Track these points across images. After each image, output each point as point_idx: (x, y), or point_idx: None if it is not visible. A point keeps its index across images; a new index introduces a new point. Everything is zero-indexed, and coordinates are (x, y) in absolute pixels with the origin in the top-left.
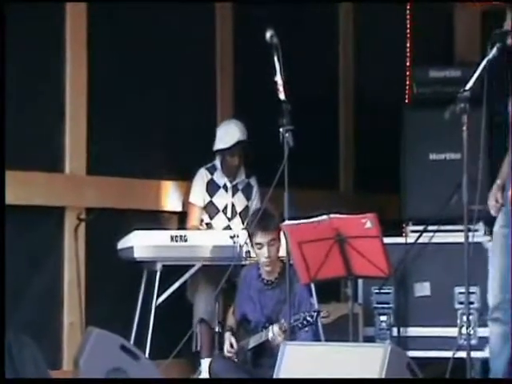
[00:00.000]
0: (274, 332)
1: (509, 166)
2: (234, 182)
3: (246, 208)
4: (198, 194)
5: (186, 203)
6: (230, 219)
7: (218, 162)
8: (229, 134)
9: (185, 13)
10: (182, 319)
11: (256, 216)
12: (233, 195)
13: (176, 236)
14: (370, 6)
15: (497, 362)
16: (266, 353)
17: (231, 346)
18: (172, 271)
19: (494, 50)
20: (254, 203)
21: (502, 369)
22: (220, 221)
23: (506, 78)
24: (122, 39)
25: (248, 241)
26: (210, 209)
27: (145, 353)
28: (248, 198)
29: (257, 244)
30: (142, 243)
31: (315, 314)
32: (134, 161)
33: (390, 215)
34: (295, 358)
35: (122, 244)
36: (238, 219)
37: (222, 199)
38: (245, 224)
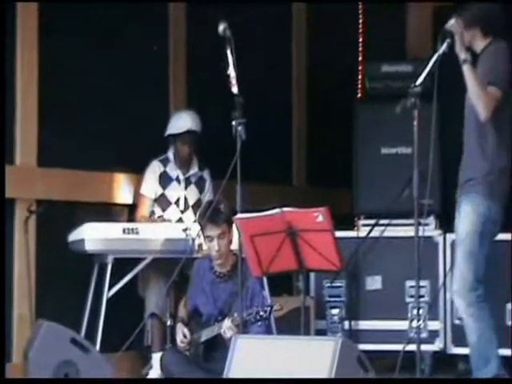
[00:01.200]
0: (225, 326)
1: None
2: (187, 175)
3: (199, 201)
4: (150, 186)
5: (136, 194)
6: (182, 212)
7: (171, 155)
8: (181, 121)
9: (138, 5)
10: (134, 312)
11: (207, 209)
12: (185, 188)
13: (128, 229)
14: (322, 2)
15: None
16: (218, 346)
17: (184, 336)
18: (124, 264)
19: (445, 46)
20: (207, 196)
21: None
22: (172, 213)
23: (457, 73)
24: (72, 32)
25: (200, 233)
26: (163, 201)
27: (95, 346)
28: (201, 190)
29: (207, 237)
30: (93, 236)
31: (268, 308)
32: (85, 153)
33: (342, 209)
34: (247, 351)
35: (73, 236)
36: (190, 212)
37: (174, 192)
38: (196, 216)
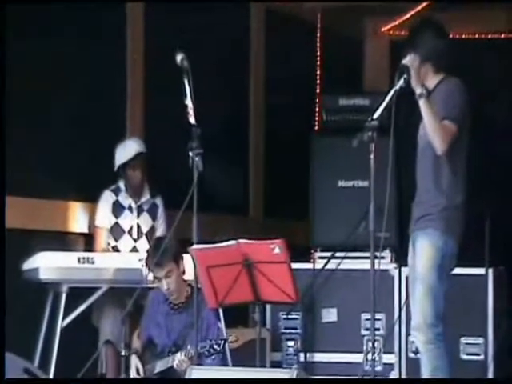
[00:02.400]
0: (178, 359)
1: None
2: (139, 203)
3: (152, 228)
4: (104, 216)
5: (92, 227)
6: (135, 240)
7: (122, 184)
8: (127, 148)
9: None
10: (88, 342)
11: (154, 248)
12: (138, 216)
13: (83, 258)
14: (281, 35)
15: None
16: (172, 378)
17: (137, 371)
18: (79, 293)
19: (402, 81)
20: (161, 226)
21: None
22: (126, 242)
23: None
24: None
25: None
26: (116, 231)
27: (49, 375)
28: (154, 218)
29: (155, 278)
30: (48, 264)
31: (222, 342)
32: (41, 181)
33: (298, 241)
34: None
35: (27, 265)
36: (143, 240)
37: (127, 220)
38: (144, 258)
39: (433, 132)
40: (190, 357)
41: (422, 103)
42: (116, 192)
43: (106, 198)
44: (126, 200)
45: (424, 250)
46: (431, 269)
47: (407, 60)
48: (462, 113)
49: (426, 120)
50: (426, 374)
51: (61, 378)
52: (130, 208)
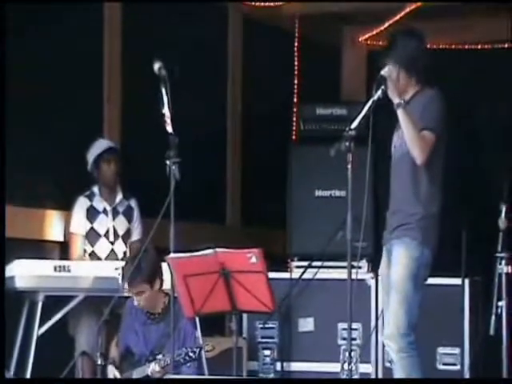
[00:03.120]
0: (151, 369)
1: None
2: (114, 205)
3: (128, 231)
4: (79, 223)
5: (67, 235)
6: (112, 243)
7: (95, 189)
8: (99, 143)
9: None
10: (65, 351)
11: (128, 267)
12: (113, 218)
13: (59, 266)
14: (258, 43)
15: None
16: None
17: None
18: (55, 302)
19: (379, 92)
20: (136, 228)
21: None
22: (102, 246)
23: (391, 118)
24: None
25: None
26: (92, 235)
27: None
28: (129, 220)
29: (128, 292)
30: (23, 273)
31: (197, 349)
32: (17, 189)
33: (275, 250)
34: None
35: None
36: (120, 242)
37: (102, 224)
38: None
39: (412, 142)
40: (163, 366)
41: (400, 113)
42: (90, 197)
43: (80, 204)
44: (100, 204)
45: (400, 259)
46: (407, 278)
47: (385, 71)
48: (440, 123)
49: (405, 130)
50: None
51: (61, 377)
52: (105, 211)
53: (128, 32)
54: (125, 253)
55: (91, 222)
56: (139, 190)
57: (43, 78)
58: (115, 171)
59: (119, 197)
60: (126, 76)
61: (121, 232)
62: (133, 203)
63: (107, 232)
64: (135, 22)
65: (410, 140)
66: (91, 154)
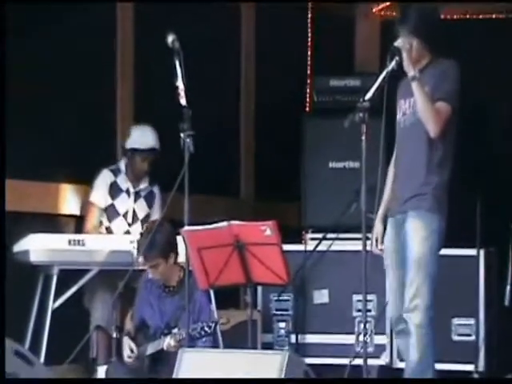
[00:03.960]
0: (167, 343)
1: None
2: (138, 188)
3: (147, 215)
4: (101, 195)
5: (85, 203)
6: (130, 225)
7: (122, 165)
8: (145, 137)
9: (87, 11)
10: (79, 324)
11: (144, 239)
12: (135, 201)
13: (74, 240)
14: (271, 15)
15: (407, 370)
16: (164, 360)
17: (131, 351)
18: (69, 275)
19: (393, 63)
20: (155, 214)
21: (417, 374)
22: (119, 225)
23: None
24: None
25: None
26: (111, 212)
27: (40, 358)
28: (150, 205)
29: (142, 264)
30: (38, 247)
31: (213, 324)
32: (30, 163)
33: (290, 222)
34: (193, 364)
35: (17, 247)
36: (138, 225)
37: (123, 204)
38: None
39: (426, 115)
40: (179, 340)
41: (414, 86)
42: (115, 173)
43: (104, 178)
44: (124, 183)
45: (419, 232)
46: (428, 252)
47: (399, 42)
48: (455, 94)
49: (419, 103)
50: (414, 356)
51: (61, 378)
52: (128, 192)
53: (139, 32)
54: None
55: (112, 198)
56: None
57: (60, 59)
58: (147, 169)
59: (145, 184)
60: (139, 51)
61: (140, 215)
62: (155, 189)
63: (126, 213)
64: (147, 21)
65: (424, 112)
66: (133, 141)
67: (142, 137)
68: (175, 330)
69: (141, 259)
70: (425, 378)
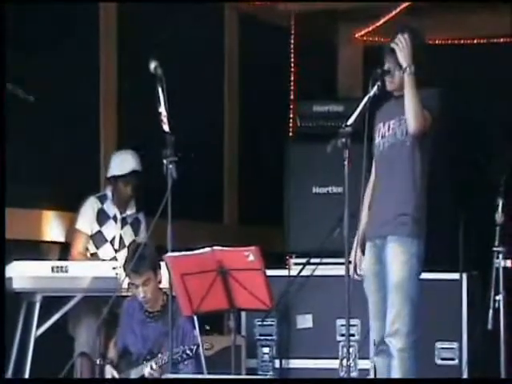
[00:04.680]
0: (150, 368)
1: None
2: (124, 214)
3: (133, 242)
4: (87, 222)
5: (70, 231)
6: (116, 251)
7: (109, 192)
8: (125, 162)
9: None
10: (63, 351)
11: (132, 255)
12: (122, 227)
13: (57, 267)
14: (255, 40)
15: None
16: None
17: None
18: (53, 302)
19: (375, 88)
20: (141, 238)
21: None
22: (106, 252)
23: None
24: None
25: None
26: (98, 238)
27: None
28: (136, 232)
29: (132, 284)
30: (21, 274)
31: (195, 347)
32: (14, 190)
33: (273, 248)
34: None
35: None
36: (124, 252)
37: (110, 230)
38: (122, 264)
39: (412, 109)
40: (161, 365)
41: (406, 78)
42: (102, 199)
43: (91, 205)
44: (111, 209)
45: (397, 257)
46: (408, 276)
47: (394, 41)
48: (437, 110)
49: (408, 96)
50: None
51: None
52: (115, 218)
53: (123, 31)
54: None
55: (100, 225)
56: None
57: (38, 78)
58: (131, 193)
59: (132, 210)
60: (122, 76)
61: (127, 242)
62: (141, 216)
63: (113, 239)
64: (130, 21)
65: (410, 106)
66: (113, 168)
67: (121, 162)
68: (159, 356)
69: (131, 277)
70: (403, 378)
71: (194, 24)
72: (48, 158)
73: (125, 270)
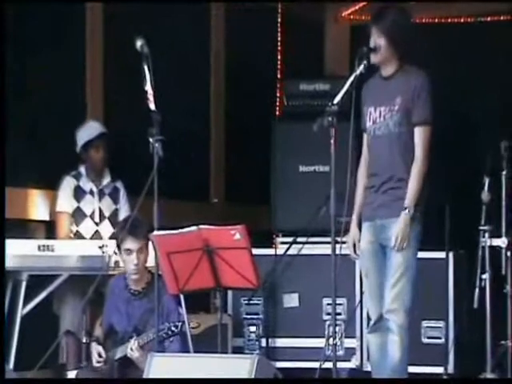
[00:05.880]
0: (129, 348)
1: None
2: (100, 187)
3: (115, 212)
4: (65, 202)
5: (53, 213)
6: (97, 224)
7: (82, 169)
8: (90, 128)
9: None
10: (48, 330)
11: (126, 222)
12: (100, 200)
13: (43, 245)
14: (241, 19)
15: (378, 371)
16: (133, 364)
17: (99, 355)
18: (39, 281)
19: (361, 67)
20: (123, 208)
21: (397, 373)
22: (88, 226)
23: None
24: None
25: (117, 250)
26: (78, 215)
27: (9, 364)
28: (115, 201)
29: (126, 250)
30: (7, 252)
31: (180, 324)
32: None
33: (260, 226)
34: (163, 369)
35: None
36: (106, 223)
37: (89, 204)
38: (114, 230)
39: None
40: (142, 345)
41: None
42: (77, 177)
43: (67, 184)
44: (87, 184)
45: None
46: (412, 255)
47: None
48: (431, 111)
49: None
50: (395, 354)
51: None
52: (92, 192)
53: (110, 27)
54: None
55: (78, 202)
56: (123, 169)
57: (26, 58)
58: (103, 156)
59: (107, 179)
60: (109, 54)
61: (107, 213)
62: (119, 184)
63: (93, 213)
64: (116, 17)
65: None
66: (80, 138)
67: (87, 130)
68: (137, 336)
69: (127, 241)
70: (403, 378)
71: (180, 4)
72: (33, 137)
73: (118, 234)
